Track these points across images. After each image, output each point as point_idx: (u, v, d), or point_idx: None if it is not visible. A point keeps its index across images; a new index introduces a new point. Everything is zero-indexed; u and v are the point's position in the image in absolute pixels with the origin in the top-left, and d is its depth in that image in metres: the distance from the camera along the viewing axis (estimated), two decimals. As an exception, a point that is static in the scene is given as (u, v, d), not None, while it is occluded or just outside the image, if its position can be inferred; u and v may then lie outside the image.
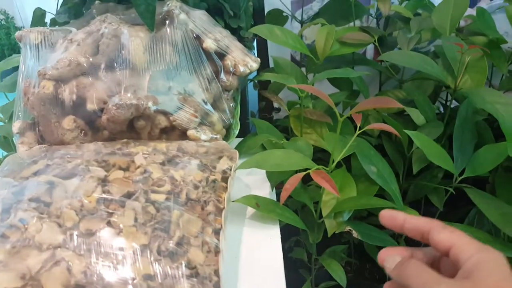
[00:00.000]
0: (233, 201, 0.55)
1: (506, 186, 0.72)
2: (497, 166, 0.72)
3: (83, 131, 0.59)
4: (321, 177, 0.48)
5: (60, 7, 0.78)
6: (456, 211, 0.84)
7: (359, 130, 0.52)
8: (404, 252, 0.33)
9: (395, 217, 0.33)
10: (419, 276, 0.29)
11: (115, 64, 0.58)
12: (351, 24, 0.81)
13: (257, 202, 0.55)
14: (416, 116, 0.66)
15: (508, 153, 0.57)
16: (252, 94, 1.01)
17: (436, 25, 0.71)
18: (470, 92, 0.60)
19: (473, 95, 0.59)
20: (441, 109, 0.84)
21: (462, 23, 0.86)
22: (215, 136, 0.60)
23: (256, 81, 0.92)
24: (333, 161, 0.55)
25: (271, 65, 0.90)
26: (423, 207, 0.79)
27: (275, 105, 1.00)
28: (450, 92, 0.67)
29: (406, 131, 0.59)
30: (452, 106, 0.72)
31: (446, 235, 0.30)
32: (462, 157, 0.64)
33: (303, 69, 0.84)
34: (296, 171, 0.56)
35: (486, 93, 0.59)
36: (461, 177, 0.63)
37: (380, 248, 0.79)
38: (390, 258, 0.32)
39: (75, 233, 0.36)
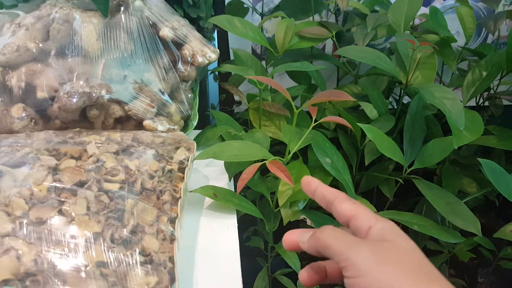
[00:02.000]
0: (190, 191, 0.55)
1: (452, 178, 0.77)
2: (444, 159, 0.77)
3: (33, 120, 0.56)
4: (277, 167, 0.49)
5: (9, -11, 0.73)
6: (406, 201, 0.88)
7: (314, 123, 0.54)
8: (306, 232, 0.34)
9: (310, 183, 0.35)
10: (338, 239, 0.29)
11: (67, 50, 0.56)
12: (311, 18, 0.82)
13: (214, 192, 0.55)
14: (370, 110, 0.68)
15: (454, 146, 0.61)
16: (213, 86, 1.01)
17: (391, 22, 0.73)
18: (420, 87, 0.62)
19: (423, 91, 0.62)
20: (394, 104, 0.88)
21: (417, 21, 0.90)
22: (173, 127, 0.60)
23: (216, 73, 0.92)
24: (289, 152, 0.56)
25: (232, 57, 0.90)
26: (375, 197, 0.83)
27: (236, 98, 1.00)
28: (402, 88, 0.70)
29: (359, 124, 0.61)
30: (405, 102, 0.76)
31: (348, 205, 0.32)
32: (411, 150, 0.67)
33: (264, 62, 0.84)
34: (254, 162, 0.57)
35: (435, 89, 0.62)
36: (410, 169, 0.66)
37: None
38: (302, 234, 0.34)
39: (25, 221, 0.35)
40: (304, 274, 0.34)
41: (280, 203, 0.59)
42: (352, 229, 0.31)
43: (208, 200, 0.57)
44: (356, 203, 0.32)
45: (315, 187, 0.35)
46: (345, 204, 0.32)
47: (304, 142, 0.59)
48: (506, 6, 0.91)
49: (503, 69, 0.71)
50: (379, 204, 0.79)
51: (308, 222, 0.59)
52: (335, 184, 0.64)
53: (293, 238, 0.35)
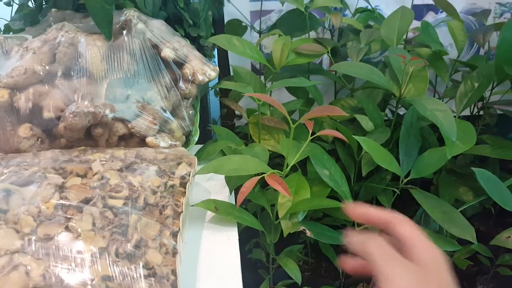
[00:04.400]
0: (192, 205, 0.57)
1: (448, 187, 0.78)
2: (440, 168, 0.78)
3: (39, 139, 0.59)
4: (275, 180, 0.50)
5: (15, 13, 0.77)
6: (405, 211, 0.89)
7: (311, 136, 0.56)
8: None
9: (366, 212, 0.36)
10: (382, 252, 0.32)
11: (72, 72, 0.59)
12: (307, 35, 0.85)
13: (215, 205, 0.57)
14: (365, 122, 0.70)
15: (447, 156, 0.63)
16: (214, 101, 1.03)
17: (384, 37, 0.76)
18: (413, 100, 0.64)
19: (416, 103, 0.64)
20: (390, 115, 0.90)
21: (411, 34, 0.92)
22: (175, 143, 0.62)
23: (217, 89, 0.95)
24: (287, 165, 0.58)
25: (232, 73, 0.93)
26: (374, 208, 0.84)
27: (237, 112, 1.02)
28: (396, 100, 0.72)
29: (355, 136, 0.63)
30: (401, 113, 0.78)
31: (408, 228, 0.34)
32: (407, 160, 0.69)
33: (263, 78, 0.87)
34: (253, 176, 0.59)
35: (427, 101, 0.64)
36: (407, 179, 0.68)
37: (334, 247, 0.82)
38: (354, 234, 0.35)
39: (33, 238, 0.37)
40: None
41: (280, 215, 0.61)
42: (406, 250, 0.33)
43: (209, 214, 0.59)
44: (415, 228, 0.34)
45: (373, 212, 0.36)
46: (406, 227, 0.34)
47: (302, 155, 0.61)
48: (496, 19, 0.94)
49: (493, 79, 0.73)
50: (378, 214, 0.80)
51: (308, 233, 0.61)
52: (333, 195, 0.65)
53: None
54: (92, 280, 0.35)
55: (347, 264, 0.37)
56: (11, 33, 0.77)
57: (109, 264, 0.36)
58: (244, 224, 0.58)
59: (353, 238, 0.35)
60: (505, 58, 0.66)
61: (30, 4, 0.77)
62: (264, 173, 0.54)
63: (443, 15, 0.95)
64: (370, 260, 0.32)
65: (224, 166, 0.55)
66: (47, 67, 0.59)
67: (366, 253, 0.33)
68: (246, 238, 0.81)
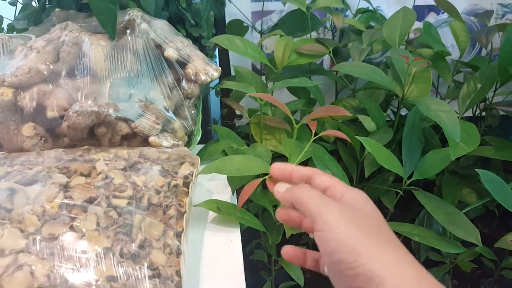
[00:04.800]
0: (195, 206, 0.56)
1: (451, 188, 0.78)
2: (443, 169, 0.78)
3: (43, 138, 0.58)
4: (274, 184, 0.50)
5: (19, 13, 0.77)
6: (408, 212, 0.89)
7: (314, 136, 0.56)
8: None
9: (284, 168, 0.38)
10: (312, 196, 0.33)
11: (76, 71, 0.59)
12: (308, 35, 0.85)
13: (218, 206, 0.57)
14: (368, 123, 0.70)
15: (451, 157, 0.62)
16: (215, 101, 1.03)
17: (386, 38, 0.76)
18: (416, 100, 0.64)
19: (419, 104, 0.64)
20: (392, 116, 0.90)
21: (412, 35, 0.92)
22: (177, 143, 0.62)
23: (218, 89, 0.95)
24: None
25: (233, 73, 0.93)
26: (377, 209, 0.84)
27: (238, 112, 1.02)
28: (399, 101, 0.72)
29: (358, 137, 0.63)
30: (403, 113, 0.78)
31: (326, 177, 0.36)
32: (410, 161, 0.69)
33: (263, 78, 0.87)
34: (256, 176, 0.59)
35: (431, 102, 0.64)
36: (410, 180, 0.67)
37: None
38: (279, 185, 0.38)
39: (38, 237, 0.37)
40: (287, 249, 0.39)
41: None
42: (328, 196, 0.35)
43: (212, 214, 0.58)
44: (332, 176, 0.36)
45: (291, 170, 0.38)
46: (323, 177, 0.36)
47: (305, 155, 0.61)
48: (498, 20, 0.94)
49: (496, 81, 0.73)
50: (380, 215, 0.80)
51: (311, 234, 0.61)
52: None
53: (272, 186, 0.39)
54: (97, 281, 0.35)
55: (280, 215, 0.39)
56: (14, 32, 0.77)
57: (114, 264, 0.36)
58: (246, 225, 0.58)
59: (280, 187, 0.37)
60: (508, 59, 0.66)
61: (33, 3, 0.77)
62: (267, 174, 0.54)
63: (444, 16, 0.95)
64: (302, 208, 0.33)
65: (226, 166, 0.55)
66: (51, 67, 0.59)
67: (297, 202, 0.34)
68: (248, 239, 0.81)
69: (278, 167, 0.39)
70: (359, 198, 0.33)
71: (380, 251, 0.30)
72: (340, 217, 0.31)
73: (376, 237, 0.31)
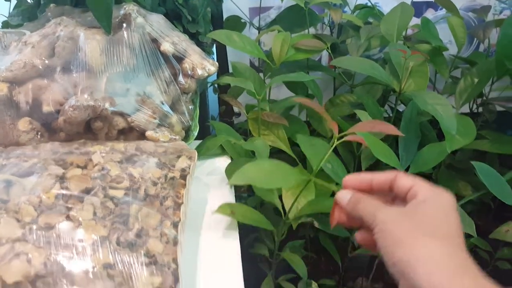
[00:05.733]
0: (213, 213, 0.55)
1: (447, 182, 0.79)
2: (440, 163, 0.78)
3: (39, 133, 0.58)
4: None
5: (13, 9, 0.76)
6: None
7: (337, 142, 0.51)
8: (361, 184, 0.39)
9: (362, 178, 0.39)
10: (367, 206, 0.35)
11: (72, 66, 0.58)
12: (306, 31, 0.85)
13: (232, 209, 0.56)
14: (365, 117, 0.70)
15: (447, 150, 0.63)
16: (213, 98, 1.03)
17: (384, 33, 0.76)
18: (413, 94, 0.64)
19: (416, 98, 0.64)
20: (390, 112, 0.90)
21: (410, 31, 0.93)
22: (174, 137, 0.62)
23: (216, 86, 0.95)
24: (314, 169, 0.55)
25: (231, 70, 0.93)
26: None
27: (236, 109, 1.02)
28: (396, 95, 0.72)
29: (355, 130, 0.62)
30: (400, 109, 0.78)
31: (409, 178, 0.36)
32: (407, 155, 0.69)
33: (261, 75, 0.87)
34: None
35: (428, 96, 0.64)
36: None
37: (334, 241, 0.82)
38: (342, 195, 0.39)
39: (34, 227, 0.36)
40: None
41: (291, 216, 0.60)
42: (410, 197, 0.35)
43: (209, 208, 0.58)
44: (416, 177, 0.36)
45: (370, 177, 0.38)
46: (407, 178, 0.36)
47: (326, 159, 0.58)
48: (496, 15, 0.94)
49: (493, 76, 0.73)
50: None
51: (316, 224, 0.61)
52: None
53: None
54: (94, 268, 0.35)
55: (358, 237, 0.39)
56: (9, 28, 0.77)
57: (110, 252, 0.36)
58: (257, 226, 0.58)
59: (341, 199, 0.39)
60: (506, 53, 0.66)
61: (28, 0, 0.77)
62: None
63: (442, 12, 0.95)
64: (362, 218, 0.35)
65: (260, 177, 0.48)
66: (46, 61, 0.59)
67: (356, 211, 0.36)
68: (245, 233, 0.81)
69: (354, 178, 0.39)
70: (437, 198, 0.33)
71: (421, 244, 0.30)
72: (394, 213, 0.32)
73: (430, 234, 0.30)
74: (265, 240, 0.71)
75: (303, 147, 0.61)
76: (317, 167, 0.52)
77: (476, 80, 0.73)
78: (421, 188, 0.34)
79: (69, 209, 0.39)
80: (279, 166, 0.50)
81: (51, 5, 0.70)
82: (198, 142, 0.71)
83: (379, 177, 0.37)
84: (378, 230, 0.33)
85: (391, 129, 0.47)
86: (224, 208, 0.56)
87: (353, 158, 0.75)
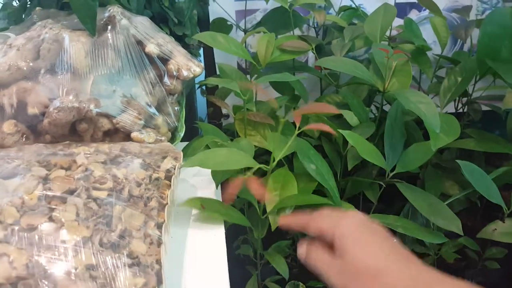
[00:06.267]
0: (178, 206, 0.56)
1: (434, 181, 0.79)
2: (426, 163, 0.79)
3: (24, 135, 0.58)
4: (255, 183, 0.50)
5: (-1, 12, 0.76)
6: (393, 206, 0.90)
7: (298, 130, 0.56)
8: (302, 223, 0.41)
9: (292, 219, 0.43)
10: (318, 262, 0.37)
11: (56, 68, 0.58)
12: (291, 33, 0.86)
13: (202, 203, 0.57)
14: (350, 117, 0.71)
15: (432, 148, 0.63)
16: (201, 101, 1.03)
17: (368, 33, 0.77)
18: (397, 93, 0.65)
19: (399, 96, 0.65)
20: (376, 111, 0.91)
21: (395, 32, 0.94)
22: (160, 138, 0.62)
23: (203, 88, 0.95)
24: (274, 159, 0.58)
25: (218, 72, 0.93)
26: (362, 202, 0.85)
27: (224, 111, 1.02)
28: (381, 95, 0.73)
29: (340, 130, 0.63)
30: (386, 109, 0.78)
31: (312, 227, 0.39)
32: (393, 154, 0.69)
33: (248, 77, 0.87)
34: (240, 170, 0.59)
35: (411, 94, 0.65)
36: (392, 173, 0.68)
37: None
38: (300, 248, 0.41)
39: (16, 228, 0.36)
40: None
41: (268, 209, 0.61)
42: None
43: (195, 210, 0.58)
44: (314, 218, 0.39)
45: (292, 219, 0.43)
46: (311, 229, 0.39)
47: (289, 149, 0.61)
48: (479, 16, 0.96)
49: (476, 74, 0.74)
50: (365, 209, 0.81)
51: None
52: (320, 189, 0.66)
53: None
54: (76, 269, 0.35)
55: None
56: (-5, 32, 0.76)
57: (93, 253, 0.36)
58: (231, 221, 0.58)
59: (300, 253, 0.41)
60: (486, 51, 0.67)
61: (14, 3, 0.76)
62: (251, 167, 0.54)
63: (425, 12, 0.96)
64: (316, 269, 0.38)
65: (210, 159, 0.55)
66: (31, 64, 0.59)
67: (312, 266, 0.38)
68: (234, 235, 0.81)
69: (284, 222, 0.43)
70: (342, 236, 0.36)
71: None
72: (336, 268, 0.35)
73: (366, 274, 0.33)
74: (252, 241, 0.72)
75: (269, 142, 0.62)
76: (278, 158, 0.58)
77: (459, 79, 0.74)
78: (328, 230, 0.37)
79: (52, 210, 0.39)
80: (233, 152, 0.56)
81: (37, 8, 0.70)
82: (186, 143, 0.71)
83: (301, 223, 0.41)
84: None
85: (328, 108, 0.54)
86: (194, 202, 0.56)
87: (339, 158, 0.76)
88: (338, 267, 0.35)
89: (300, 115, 0.56)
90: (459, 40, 1.00)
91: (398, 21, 0.86)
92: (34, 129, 0.58)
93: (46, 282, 0.34)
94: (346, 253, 0.34)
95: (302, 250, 0.40)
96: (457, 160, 0.64)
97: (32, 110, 0.57)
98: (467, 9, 0.88)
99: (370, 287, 0.32)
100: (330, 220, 0.37)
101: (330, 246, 0.37)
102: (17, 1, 0.76)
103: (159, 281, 0.38)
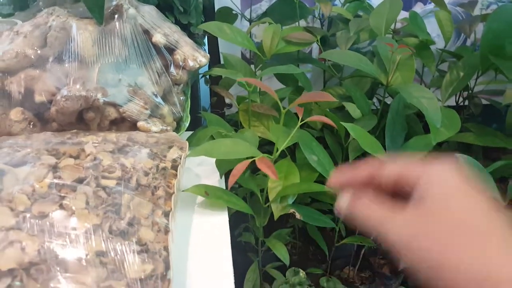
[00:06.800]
0: (183, 191, 0.57)
1: (433, 174, 0.80)
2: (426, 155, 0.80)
3: (31, 123, 0.59)
4: (264, 163, 0.52)
5: (4, -2, 0.76)
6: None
7: (300, 122, 0.57)
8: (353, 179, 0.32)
9: (342, 176, 0.33)
10: (371, 216, 0.29)
11: (64, 56, 0.59)
12: (297, 24, 0.86)
13: (206, 190, 0.58)
14: (353, 110, 0.72)
15: (432, 142, 0.64)
16: (205, 90, 1.04)
17: (373, 26, 0.77)
18: (400, 87, 0.66)
19: (402, 90, 0.65)
20: (378, 104, 0.92)
21: (399, 25, 0.94)
22: (166, 128, 0.63)
23: (207, 77, 0.95)
24: (277, 150, 0.60)
25: (223, 62, 0.93)
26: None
27: (227, 101, 1.03)
28: (384, 88, 0.74)
29: (342, 123, 0.64)
30: (388, 102, 0.79)
31: (390, 168, 0.29)
32: (393, 147, 0.71)
33: (252, 67, 0.88)
34: (244, 159, 0.60)
35: (413, 89, 0.66)
36: (393, 165, 0.69)
37: (321, 231, 0.84)
38: (340, 200, 0.32)
39: (28, 215, 0.37)
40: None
41: (270, 198, 0.62)
42: (405, 191, 0.29)
43: (200, 198, 0.60)
44: (397, 161, 0.30)
45: (350, 175, 0.32)
46: (386, 170, 0.30)
47: (291, 140, 0.62)
48: (483, 10, 0.96)
49: (478, 69, 0.75)
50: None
51: (297, 215, 0.63)
52: (321, 180, 0.67)
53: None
54: (87, 255, 0.36)
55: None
56: (0, 18, 0.76)
57: (103, 240, 0.37)
58: (234, 208, 0.59)
59: (339, 207, 0.32)
60: (490, 48, 0.67)
61: (19, -12, 0.76)
62: (255, 157, 0.55)
63: (431, 6, 0.96)
64: (365, 225, 0.29)
65: (215, 149, 0.56)
66: (38, 51, 0.59)
67: (357, 220, 0.30)
68: (236, 223, 0.83)
69: (335, 179, 0.33)
70: (432, 183, 0.27)
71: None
72: (402, 233, 0.27)
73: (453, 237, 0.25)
74: (253, 229, 0.73)
75: (272, 133, 0.63)
76: (281, 148, 0.58)
77: (461, 73, 0.75)
78: (412, 174, 0.28)
79: (62, 198, 0.40)
80: (237, 142, 0.57)
81: (43, -6, 0.70)
82: (190, 133, 0.72)
83: (362, 174, 0.32)
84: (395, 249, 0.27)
85: (326, 97, 0.55)
86: (198, 189, 0.57)
87: (341, 149, 0.77)
88: (406, 220, 0.27)
89: (302, 108, 0.57)
90: (462, 33, 1.00)
91: (403, 14, 0.86)
92: (41, 117, 0.59)
93: (58, 268, 0.35)
94: (432, 203, 0.26)
95: (344, 202, 0.31)
96: (456, 154, 0.65)
97: (40, 98, 0.58)
98: (472, 3, 0.88)
99: (458, 241, 0.25)
100: (415, 165, 0.29)
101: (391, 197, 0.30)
102: (23, -13, 0.76)
103: (167, 267, 0.39)
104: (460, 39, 1.00)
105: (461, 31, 0.82)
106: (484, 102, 0.92)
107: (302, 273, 0.72)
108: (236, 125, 0.83)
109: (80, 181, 0.42)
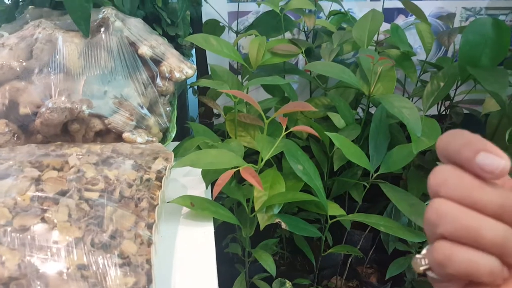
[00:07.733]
0: (168, 202, 0.58)
1: (416, 182, 0.82)
2: (409, 164, 0.82)
3: (16, 135, 0.59)
4: (248, 173, 0.52)
5: (-9, 10, 0.76)
6: (377, 205, 0.93)
7: (286, 132, 0.58)
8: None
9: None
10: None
11: (49, 68, 0.59)
12: (282, 36, 0.87)
13: (191, 201, 0.59)
14: (337, 120, 0.73)
15: (413, 151, 0.66)
16: (193, 100, 1.04)
17: (356, 38, 0.79)
18: (381, 98, 0.67)
19: (384, 101, 0.67)
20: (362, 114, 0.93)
21: (382, 36, 0.96)
22: (151, 139, 0.63)
23: (195, 87, 0.96)
24: (262, 159, 0.60)
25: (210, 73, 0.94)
26: (347, 202, 0.87)
27: (215, 111, 1.04)
28: (367, 98, 0.75)
29: (327, 133, 0.65)
30: (373, 112, 0.81)
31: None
32: (377, 156, 0.72)
33: (240, 77, 0.89)
34: (230, 169, 0.61)
35: (395, 99, 0.67)
36: (376, 174, 0.71)
37: (309, 241, 0.84)
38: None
39: (9, 229, 0.37)
40: None
41: (256, 208, 0.63)
42: None
43: (185, 208, 0.60)
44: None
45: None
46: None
47: (276, 150, 0.63)
48: (463, 22, 0.98)
49: (457, 79, 0.76)
50: (350, 208, 0.83)
51: (283, 225, 0.63)
52: (306, 189, 0.68)
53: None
54: (68, 269, 0.36)
55: None
56: (-14, 29, 0.76)
57: (85, 253, 0.37)
58: (220, 218, 0.60)
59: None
60: (467, 59, 0.69)
61: (6, 1, 0.77)
62: (240, 167, 0.56)
63: (412, 18, 0.99)
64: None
65: (200, 159, 0.57)
66: (24, 63, 0.59)
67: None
68: (223, 234, 0.83)
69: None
70: None
71: None
72: None
73: None
74: (240, 240, 0.74)
75: (257, 143, 0.64)
76: (265, 157, 0.60)
77: (442, 83, 0.76)
78: None
79: (44, 211, 0.40)
80: (223, 152, 0.59)
81: (30, 7, 0.70)
82: (177, 143, 0.73)
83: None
84: None
85: (308, 107, 0.57)
86: (183, 200, 0.58)
87: (326, 158, 0.78)
88: None
89: (286, 118, 0.59)
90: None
91: (386, 26, 0.88)
92: (26, 129, 0.59)
93: (38, 282, 0.35)
94: None
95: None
96: (438, 162, 0.66)
97: (24, 110, 0.58)
98: (450, 16, 0.91)
99: None
100: None
101: None
102: (9, -1, 0.76)
103: (149, 280, 0.39)
104: (441, 50, 1.02)
105: (440, 42, 0.84)
106: (465, 111, 0.94)
107: (288, 284, 0.73)
108: (224, 135, 0.83)
109: (63, 193, 0.43)
